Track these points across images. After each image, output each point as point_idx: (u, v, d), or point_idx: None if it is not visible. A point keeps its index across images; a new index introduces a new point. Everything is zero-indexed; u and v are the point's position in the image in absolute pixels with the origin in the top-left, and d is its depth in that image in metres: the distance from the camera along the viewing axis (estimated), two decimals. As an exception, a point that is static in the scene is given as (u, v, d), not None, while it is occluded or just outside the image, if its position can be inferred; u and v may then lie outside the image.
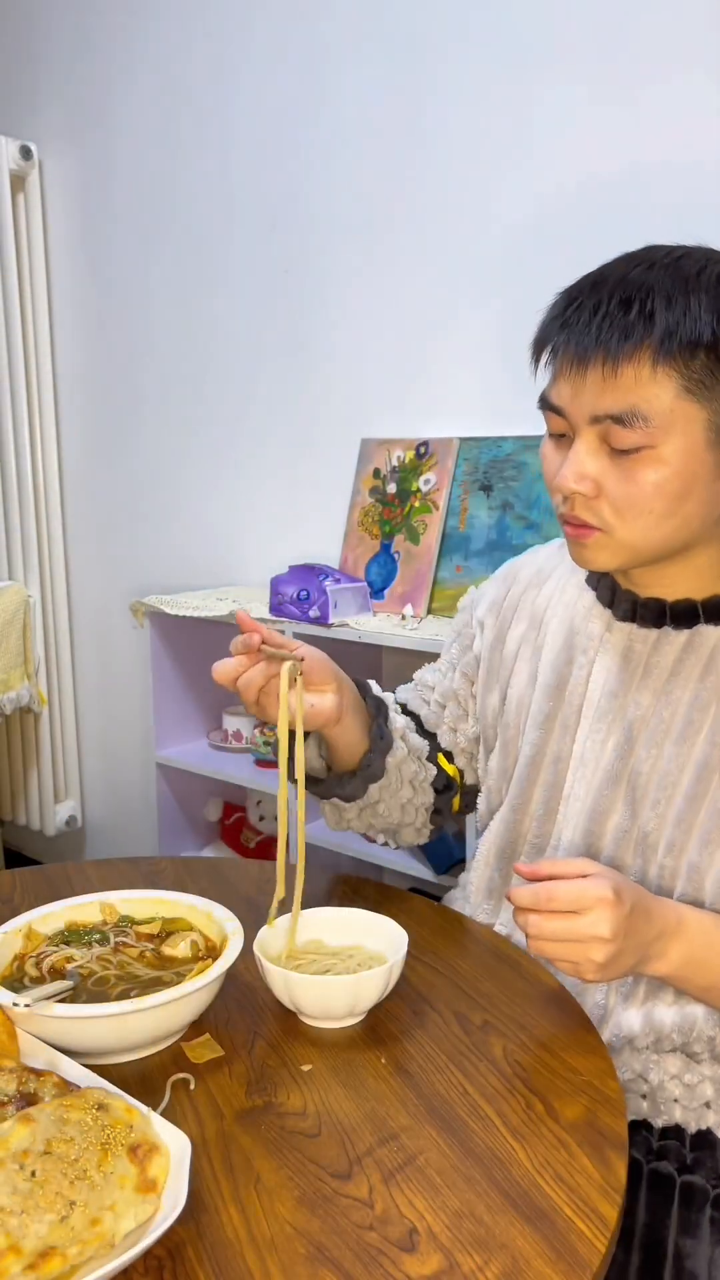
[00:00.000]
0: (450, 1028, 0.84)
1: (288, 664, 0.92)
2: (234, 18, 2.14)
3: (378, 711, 1.07)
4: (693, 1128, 0.93)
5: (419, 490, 1.95)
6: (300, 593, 1.91)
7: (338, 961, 0.89)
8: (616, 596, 0.97)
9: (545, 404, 0.89)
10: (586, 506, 0.87)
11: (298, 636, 1.95)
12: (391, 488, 1.99)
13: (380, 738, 1.05)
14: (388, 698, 1.13)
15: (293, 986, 0.83)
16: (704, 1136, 0.92)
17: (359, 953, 0.90)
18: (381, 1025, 0.85)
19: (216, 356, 2.33)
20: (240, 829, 2.39)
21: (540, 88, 1.72)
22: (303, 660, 0.94)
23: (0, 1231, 0.57)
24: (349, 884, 1.12)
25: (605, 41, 1.64)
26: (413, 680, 1.20)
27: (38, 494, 2.65)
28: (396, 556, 1.97)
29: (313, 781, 1.07)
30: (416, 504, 1.95)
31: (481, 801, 1.11)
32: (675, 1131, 0.93)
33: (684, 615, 0.93)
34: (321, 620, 1.89)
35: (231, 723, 2.30)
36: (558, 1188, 0.66)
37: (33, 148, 2.51)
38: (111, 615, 2.68)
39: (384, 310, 2.01)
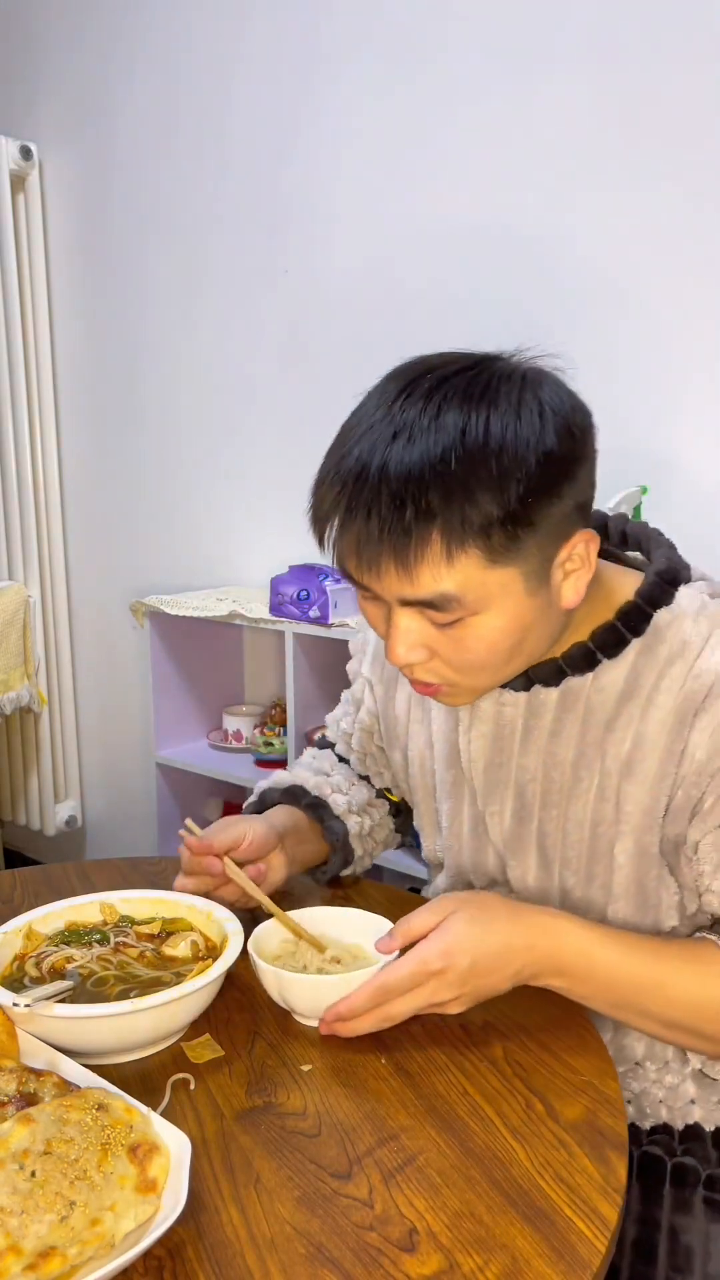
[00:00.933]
0: (450, 1028, 0.84)
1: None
2: (233, 18, 2.14)
3: (315, 816, 1.08)
4: (680, 1125, 0.94)
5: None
6: (300, 592, 1.91)
7: (333, 962, 0.89)
8: None
9: (347, 576, 0.82)
10: (426, 670, 0.84)
11: (298, 636, 1.95)
12: (391, 488, 1.99)
13: (330, 836, 1.08)
14: (316, 783, 1.12)
15: (285, 985, 0.83)
16: (692, 1130, 0.93)
17: (359, 952, 0.90)
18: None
19: (216, 356, 2.32)
20: (240, 829, 2.38)
21: (541, 86, 1.72)
22: (244, 854, 0.96)
23: (0, 1231, 0.57)
24: (349, 884, 1.12)
25: (605, 41, 1.64)
26: (328, 723, 1.19)
27: (38, 494, 2.65)
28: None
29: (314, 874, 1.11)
30: (416, 504, 1.95)
31: (429, 859, 1.11)
32: (664, 1129, 0.94)
33: (549, 674, 0.90)
34: (321, 620, 1.89)
35: (231, 723, 2.30)
36: (558, 1188, 0.66)
37: (33, 148, 2.51)
38: (111, 615, 2.68)
39: (383, 310, 2.01)
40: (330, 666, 2.01)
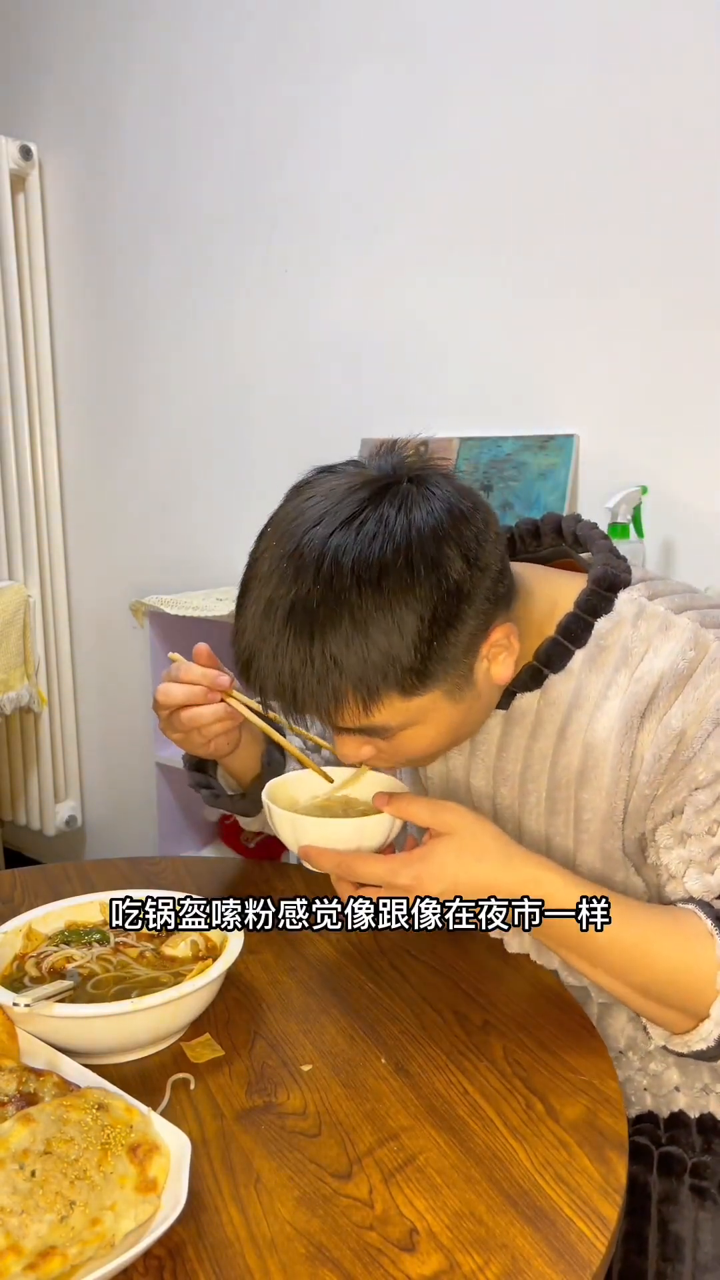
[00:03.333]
0: (450, 1028, 0.84)
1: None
2: (233, 18, 2.14)
3: (270, 740, 1.06)
4: (665, 1113, 0.94)
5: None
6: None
7: (341, 802, 0.89)
8: None
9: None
10: (377, 760, 0.86)
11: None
12: (391, 488, 1.99)
13: (268, 764, 1.06)
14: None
15: (300, 829, 0.82)
16: (677, 1117, 0.94)
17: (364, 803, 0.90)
18: (381, 1025, 0.85)
19: (216, 356, 2.32)
20: (240, 829, 2.38)
21: (541, 85, 1.72)
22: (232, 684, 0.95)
23: (0, 1231, 0.57)
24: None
25: (605, 43, 1.64)
26: None
27: (38, 494, 2.65)
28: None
29: (217, 797, 1.08)
30: (416, 504, 1.95)
31: None
32: (649, 1117, 0.94)
33: (503, 698, 0.91)
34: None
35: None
36: (558, 1187, 0.66)
37: (33, 148, 2.51)
38: (111, 615, 2.68)
39: (384, 310, 2.01)
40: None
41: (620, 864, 0.89)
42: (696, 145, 1.57)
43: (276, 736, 0.93)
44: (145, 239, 2.41)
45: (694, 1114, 0.94)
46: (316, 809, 0.89)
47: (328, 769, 0.92)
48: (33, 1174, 0.60)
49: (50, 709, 2.74)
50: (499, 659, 0.83)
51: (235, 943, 0.84)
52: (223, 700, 0.93)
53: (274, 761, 1.06)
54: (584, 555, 0.96)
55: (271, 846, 2.33)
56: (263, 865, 1.16)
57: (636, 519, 1.55)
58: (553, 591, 0.90)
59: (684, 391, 1.62)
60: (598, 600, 0.88)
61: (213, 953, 0.87)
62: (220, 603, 2.10)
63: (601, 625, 0.88)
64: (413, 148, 1.91)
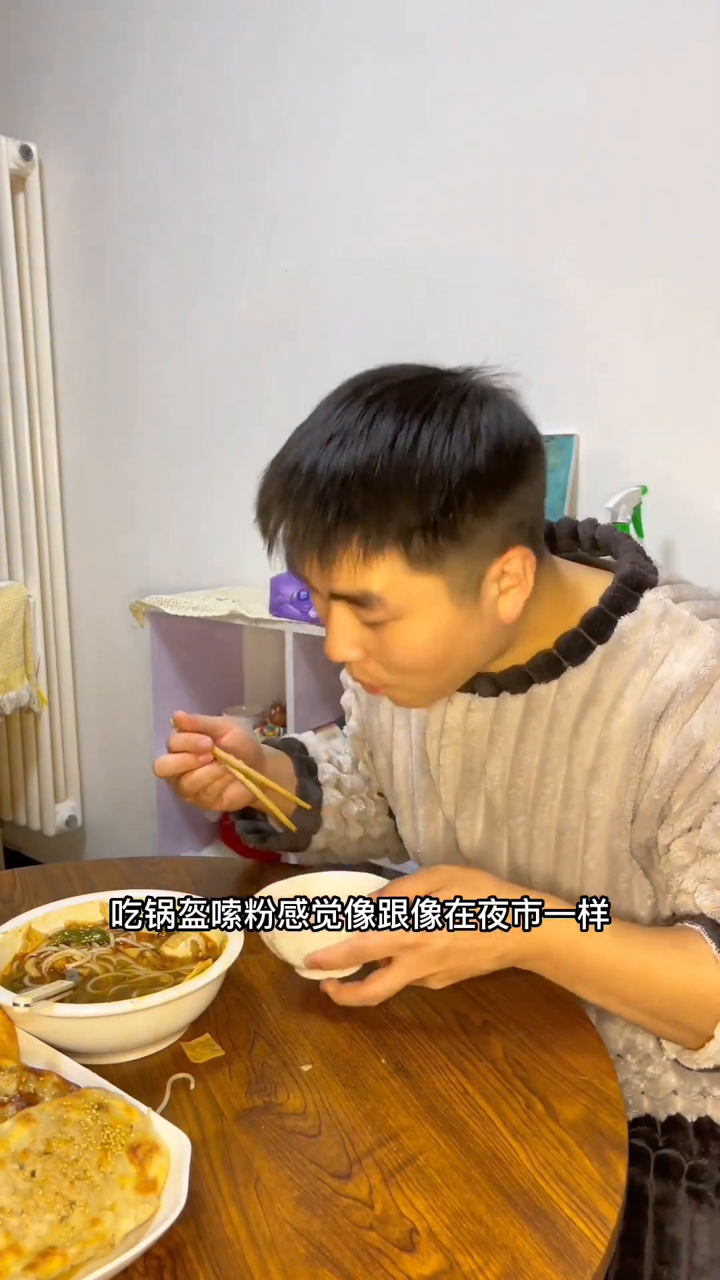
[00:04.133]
0: (450, 1028, 0.84)
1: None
2: (232, 18, 2.14)
3: (300, 770, 1.09)
4: (662, 1116, 0.94)
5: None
6: (300, 592, 1.91)
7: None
8: None
9: (291, 568, 0.85)
10: (362, 670, 0.85)
11: (298, 636, 1.95)
12: (391, 488, 1.99)
13: (304, 796, 1.06)
14: (319, 749, 1.14)
15: (305, 947, 0.85)
16: (674, 1120, 0.94)
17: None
18: (382, 1025, 0.85)
19: (216, 356, 2.32)
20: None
21: (540, 85, 1.72)
22: (226, 745, 0.98)
23: (0, 1231, 0.57)
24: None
25: (604, 43, 1.64)
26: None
27: (38, 494, 2.65)
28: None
29: (265, 838, 1.09)
30: (416, 504, 1.95)
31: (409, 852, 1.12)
32: (647, 1120, 0.95)
33: (514, 681, 0.91)
34: (321, 620, 1.88)
35: (231, 723, 2.29)
36: (558, 1188, 0.66)
37: (33, 148, 2.51)
38: (111, 615, 2.68)
39: (384, 310, 2.01)
40: (330, 666, 2.00)
41: (626, 863, 0.89)
42: (697, 144, 1.57)
43: (256, 791, 0.97)
44: (145, 239, 2.41)
45: (691, 1117, 0.94)
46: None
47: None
48: (33, 1174, 0.60)
49: (50, 709, 2.74)
50: (510, 593, 0.82)
51: (235, 943, 0.84)
52: (214, 760, 0.96)
53: (308, 792, 1.08)
54: (604, 559, 0.96)
55: (271, 846, 2.33)
56: (263, 865, 1.16)
57: (636, 519, 1.55)
58: (577, 584, 0.90)
59: (684, 391, 1.62)
60: (623, 598, 0.88)
61: (213, 953, 0.87)
62: (220, 603, 2.10)
63: (625, 623, 0.87)
64: (411, 148, 1.91)
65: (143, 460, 2.54)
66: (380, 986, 0.80)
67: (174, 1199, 0.61)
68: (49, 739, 2.75)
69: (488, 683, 0.92)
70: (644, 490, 1.57)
